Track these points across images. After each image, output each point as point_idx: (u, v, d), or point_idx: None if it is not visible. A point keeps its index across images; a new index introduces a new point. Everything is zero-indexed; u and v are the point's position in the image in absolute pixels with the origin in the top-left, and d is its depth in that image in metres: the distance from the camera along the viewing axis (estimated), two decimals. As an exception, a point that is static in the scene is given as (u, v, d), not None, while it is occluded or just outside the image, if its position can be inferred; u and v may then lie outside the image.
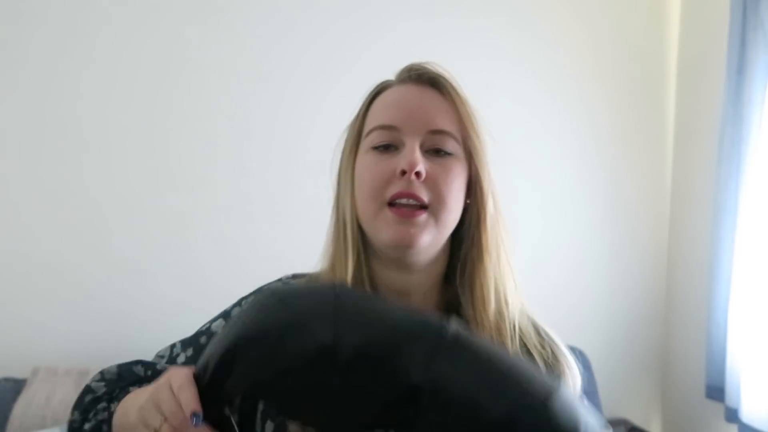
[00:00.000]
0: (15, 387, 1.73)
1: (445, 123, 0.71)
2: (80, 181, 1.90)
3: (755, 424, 1.88)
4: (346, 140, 0.76)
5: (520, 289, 0.76)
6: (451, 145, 0.71)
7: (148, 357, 0.78)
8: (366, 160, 0.72)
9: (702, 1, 2.25)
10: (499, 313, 0.72)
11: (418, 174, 0.68)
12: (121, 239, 1.91)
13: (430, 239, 0.70)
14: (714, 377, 2.06)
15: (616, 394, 2.30)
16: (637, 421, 2.32)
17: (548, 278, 2.21)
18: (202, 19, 1.96)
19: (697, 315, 2.21)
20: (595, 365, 2.17)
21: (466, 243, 0.74)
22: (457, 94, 0.73)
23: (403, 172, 0.68)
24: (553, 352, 0.74)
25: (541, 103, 2.24)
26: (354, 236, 0.73)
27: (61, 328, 1.88)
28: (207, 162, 1.97)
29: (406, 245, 0.69)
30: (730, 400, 1.98)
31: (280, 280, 0.80)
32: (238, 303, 0.78)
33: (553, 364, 0.74)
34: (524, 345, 0.73)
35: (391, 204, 0.69)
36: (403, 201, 0.69)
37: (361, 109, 0.76)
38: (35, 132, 1.86)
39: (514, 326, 0.73)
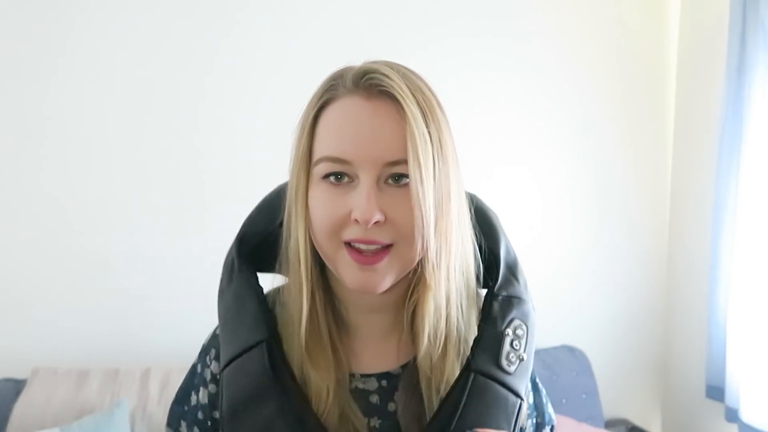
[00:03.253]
0: (15, 387, 1.74)
1: (402, 150, 0.63)
2: (79, 182, 1.90)
3: (755, 424, 1.88)
4: (295, 159, 0.68)
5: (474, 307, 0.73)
6: None
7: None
8: (318, 192, 0.66)
9: (702, 1, 2.25)
10: (445, 339, 0.69)
11: (376, 223, 0.62)
12: (121, 239, 1.91)
13: (395, 276, 0.66)
14: (714, 377, 2.06)
15: (616, 394, 2.30)
16: (637, 421, 2.33)
17: (548, 278, 2.22)
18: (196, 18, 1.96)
19: (697, 315, 2.21)
20: (595, 365, 2.17)
21: (419, 265, 0.67)
22: (412, 105, 0.63)
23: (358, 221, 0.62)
24: None
25: (541, 103, 2.24)
26: (308, 266, 0.68)
27: (61, 328, 1.88)
28: (203, 162, 1.97)
29: (368, 291, 0.65)
30: (730, 400, 1.98)
31: None
32: (203, 358, 0.76)
33: None
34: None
35: (350, 244, 0.64)
36: (362, 246, 0.64)
37: (305, 123, 0.67)
38: (21, 136, 1.86)
39: (463, 350, 0.69)
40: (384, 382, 0.71)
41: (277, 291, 0.74)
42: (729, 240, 1.99)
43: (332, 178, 0.65)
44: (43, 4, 1.83)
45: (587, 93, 2.28)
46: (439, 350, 0.68)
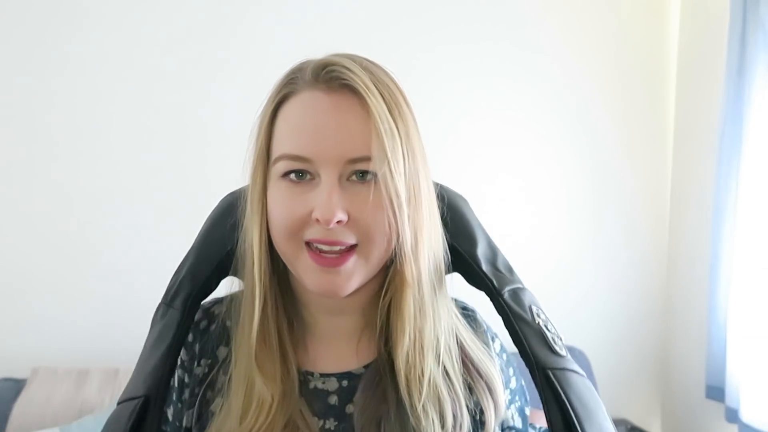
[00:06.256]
0: (15, 387, 1.74)
1: (365, 146, 0.60)
2: (79, 182, 1.90)
3: (755, 424, 1.88)
4: (253, 158, 0.65)
5: (450, 311, 0.71)
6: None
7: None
8: (277, 192, 0.62)
9: (702, 1, 2.25)
10: (419, 343, 0.66)
11: (338, 222, 0.59)
12: (121, 239, 1.91)
13: (361, 280, 0.63)
14: (714, 377, 2.06)
15: (616, 394, 2.30)
16: (637, 421, 2.32)
17: (548, 278, 2.21)
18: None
19: (697, 315, 2.21)
20: (595, 365, 2.17)
21: (392, 266, 0.65)
22: (377, 100, 0.60)
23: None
24: (477, 377, 0.70)
25: (541, 104, 2.24)
26: (261, 269, 0.65)
27: (61, 328, 1.88)
28: (205, 161, 1.97)
29: (331, 295, 0.63)
30: (730, 400, 1.98)
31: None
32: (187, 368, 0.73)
33: (474, 388, 0.70)
34: (445, 369, 0.68)
35: (310, 245, 0.61)
36: (325, 248, 0.61)
37: (264, 119, 0.64)
38: (27, 134, 1.86)
39: (439, 355, 0.67)
40: (345, 383, 0.69)
41: (233, 296, 0.72)
42: (729, 240, 1.98)
43: (293, 176, 0.62)
44: (55, 4, 1.84)
45: (587, 94, 2.28)
46: (419, 346, 0.66)
